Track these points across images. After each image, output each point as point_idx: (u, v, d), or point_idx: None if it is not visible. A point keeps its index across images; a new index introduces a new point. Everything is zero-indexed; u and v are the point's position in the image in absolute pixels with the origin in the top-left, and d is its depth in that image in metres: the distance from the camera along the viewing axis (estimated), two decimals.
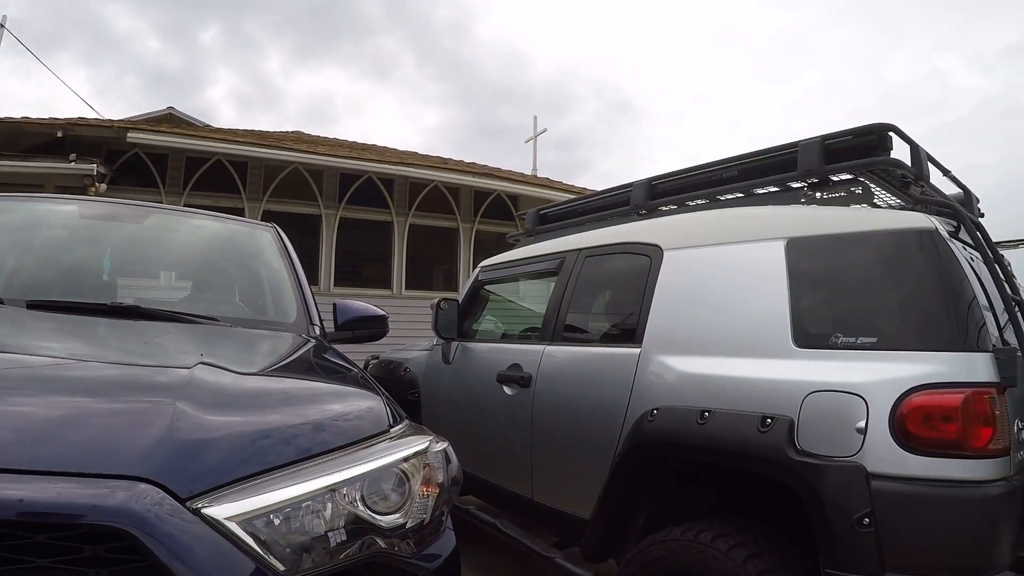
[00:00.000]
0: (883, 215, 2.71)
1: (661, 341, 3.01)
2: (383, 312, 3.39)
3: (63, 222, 3.58)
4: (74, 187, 9.83)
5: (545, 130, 18.79)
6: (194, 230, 3.84)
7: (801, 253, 2.67)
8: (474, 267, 12.33)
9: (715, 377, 2.70)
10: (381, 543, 1.50)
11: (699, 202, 3.60)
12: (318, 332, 3.07)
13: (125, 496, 1.26)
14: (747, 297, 2.77)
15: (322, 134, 16.30)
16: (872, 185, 2.97)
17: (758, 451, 2.39)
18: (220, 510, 1.33)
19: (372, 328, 3.31)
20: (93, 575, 1.22)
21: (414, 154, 13.90)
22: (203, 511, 1.32)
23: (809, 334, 2.53)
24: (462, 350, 4.57)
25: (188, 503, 1.32)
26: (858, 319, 2.45)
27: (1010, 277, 2.73)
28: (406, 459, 1.60)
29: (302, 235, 10.58)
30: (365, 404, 1.82)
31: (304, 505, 1.41)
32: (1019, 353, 2.38)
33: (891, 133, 2.83)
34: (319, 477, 1.45)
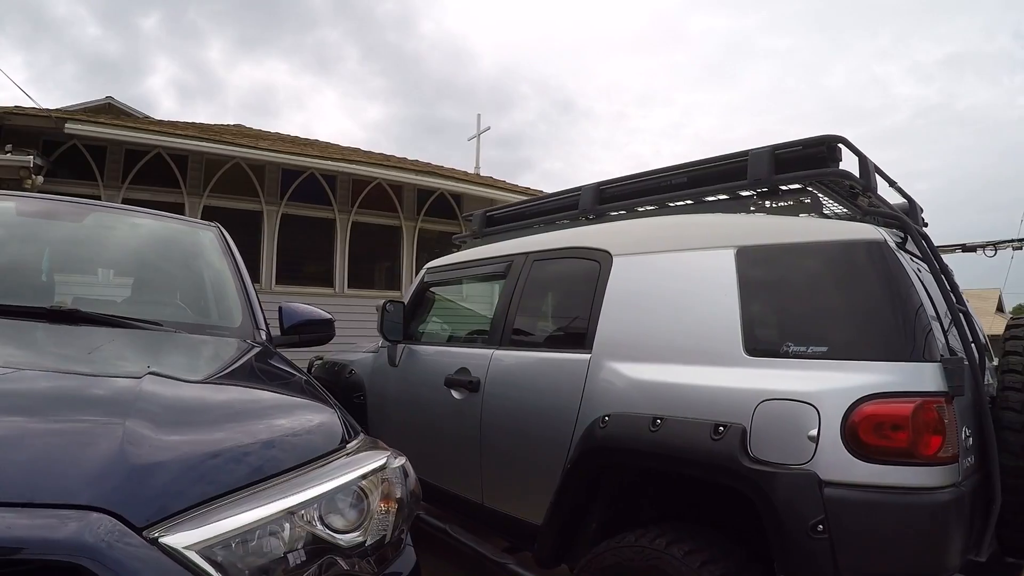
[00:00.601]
0: (832, 225, 2.76)
1: (612, 347, 3.01)
2: (329, 316, 3.34)
3: (3, 220, 3.44)
4: (8, 179, 9.52)
5: (488, 128, 18.80)
6: (135, 229, 3.73)
7: (751, 262, 2.70)
8: (418, 266, 12.38)
9: (666, 384, 2.72)
10: (342, 563, 1.45)
11: (648, 208, 3.62)
12: (264, 337, 3.02)
13: (77, 527, 1.20)
14: (698, 305, 2.79)
15: (264, 127, 16.12)
16: (820, 195, 3.02)
17: (711, 458, 2.40)
18: (178, 539, 1.28)
19: (318, 332, 3.26)
20: None
21: (357, 150, 13.79)
22: (160, 540, 1.27)
23: (760, 343, 2.55)
24: (408, 353, 4.53)
25: (144, 532, 1.27)
26: (809, 328, 2.48)
27: (955, 287, 2.80)
28: (364, 476, 1.57)
29: (243, 232, 10.39)
30: (319, 418, 1.79)
31: (262, 528, 1.36)
32: (965, 362, 2.44)
33: (840, 144, 2.88)
34: (277, 499, 1.40)
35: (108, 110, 15.57)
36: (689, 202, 3.44)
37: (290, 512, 1.40)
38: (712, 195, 3.31)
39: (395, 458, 1.72)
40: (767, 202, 3.10)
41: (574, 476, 2.96)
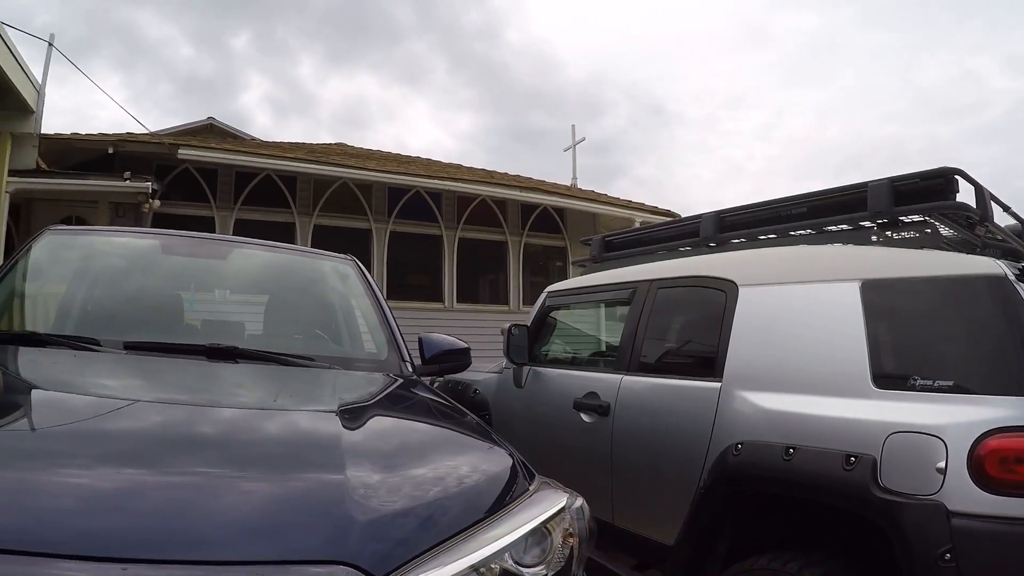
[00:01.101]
0: (953, 259, 2.90)
1: (742, 376, 3.22)
2: (466, 345, 3.54)
3: (147, 258, 3.74)
4: (127, 203, 10.25)
5: (584, 139, 18.97)
6: (278, 265, 3.99)
7: (876, 295, 2.88)
8: (523, 280, 12.68)
9: (797, 414, 2.91)
10: None
11: (769, 236, 3.81)
12: (410, 369, 3.22)
13: None
14: (825, 337, 2.98)
15: (358, 140, 16.83)
16: (939, 226, 3.18)
17: (843, 487, 2.60)
18: None
19: (457, 361, 3.47)
20: None
21: (460, 167, 14.24)
22: None
23: (888, 375, 2.73)
24: (534, 375, 4.82)
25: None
26: (935, 362, 2.65)
27: None
28: (551, 518, 1.76)
29: (353, 249, 10.88)
30: (507, 463, 1.98)
31: (475, 572, 1.54)
32: None
33: (957, 176, 3.04)
34: (486, 546, 1.58)
35: (210, 131, 16.49)
36: (809, 232, 3.62)
37: (497, 553, 1.59)
38: (832, 225, 3.49)
39: (575, 499, 1.93)
40: (887, 233, 3.27)
41: (706, 500, 3.17)
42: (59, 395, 2.27)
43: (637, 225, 13.05)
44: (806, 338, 3.06)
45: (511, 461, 1.99)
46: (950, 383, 2.56)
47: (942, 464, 2.40)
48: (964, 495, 2.35)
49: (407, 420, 2.55)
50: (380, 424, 2.23)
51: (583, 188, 15.64)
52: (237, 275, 3.89)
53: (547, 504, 1.81)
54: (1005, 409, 2.40)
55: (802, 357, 3.04)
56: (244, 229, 11.09)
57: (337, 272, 4.03)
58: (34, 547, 1.27)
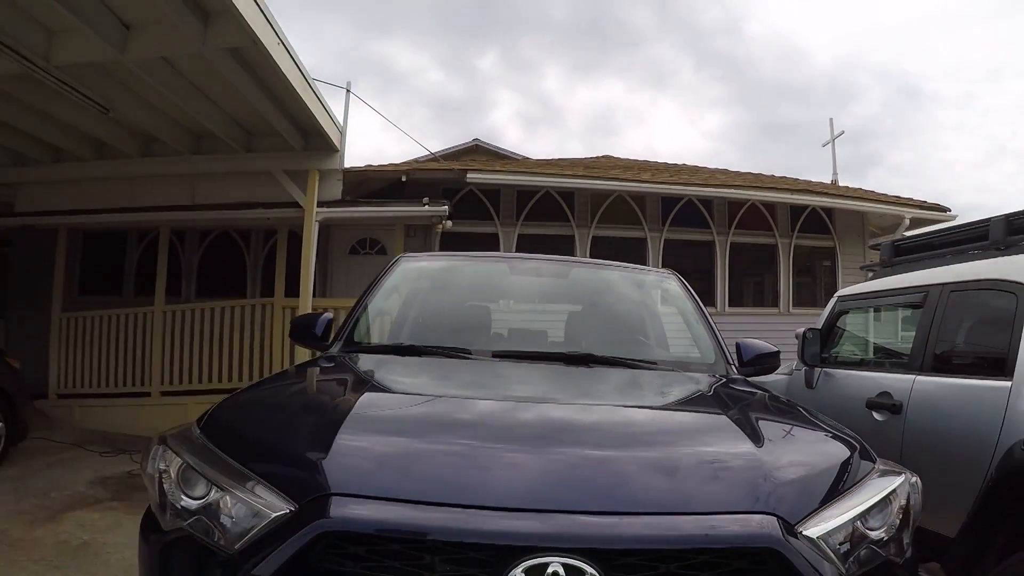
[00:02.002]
0: None
1: None
2: (776, 348, 3.87)
3: (500, 279, 4.41)
4: (421, 225, 11.52)
5: (843, 132, 18.49)
6: (611, 281, 4.49)
7: None
8: (794, 282, 12.81)
9: None
10: (878, 551, 2.00)
11: None
12: (735, 371, 3.61)
13: (763, 524, 1.79)
14: None
15: (608, 147, 17.48)
16: None
17: None
18: (812, 531, 1.85)
19: (770, 363, 3.78)
20: None
21: (727, 172, 14.59)
22: (804, 533, 1.83)
23: None
24: (824, 376, 5.26)
25: (796, 527, 1.83)
26: None
27: None
28: (894, 489, 2.16)
29: (631, 258, 11.63)
30: (858, 446, 2.39)
31: (845, 526, 1.93)
32: None
33: None
34: (854, 508, 1.99)
35: (476, 151, 17.98)
36: None
37: (858, 516, 2.02)
38: None
39: (911, 476, 2.32)
40: None
41: (991, 494, 3.46)
42: (487, 392, 2.91)
43: (907, 221, 12.89)
44: None
45: (860, 445, 2.42)
46: None
47: None
48: None
49: (764, 410, 2.86)
50: (749, 410, 2.64)
51: (845, 185, 15.46)
52: (579, 290, 4.41)
53: (890, 479, 2.23)
54: None
55: None
56: (526, 243, 12.20)
57: (662, 285, 4.53)
58: (509, 503, 1.77)
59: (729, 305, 12.94)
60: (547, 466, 1.98)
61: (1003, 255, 4.26)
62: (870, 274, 5.86)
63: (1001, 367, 3.71)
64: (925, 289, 4.59)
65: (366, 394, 2.56)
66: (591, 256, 12.07)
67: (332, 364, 3.27)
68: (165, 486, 2.04)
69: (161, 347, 10.64)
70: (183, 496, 1.99)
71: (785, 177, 14.53)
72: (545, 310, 4.35)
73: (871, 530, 2.02)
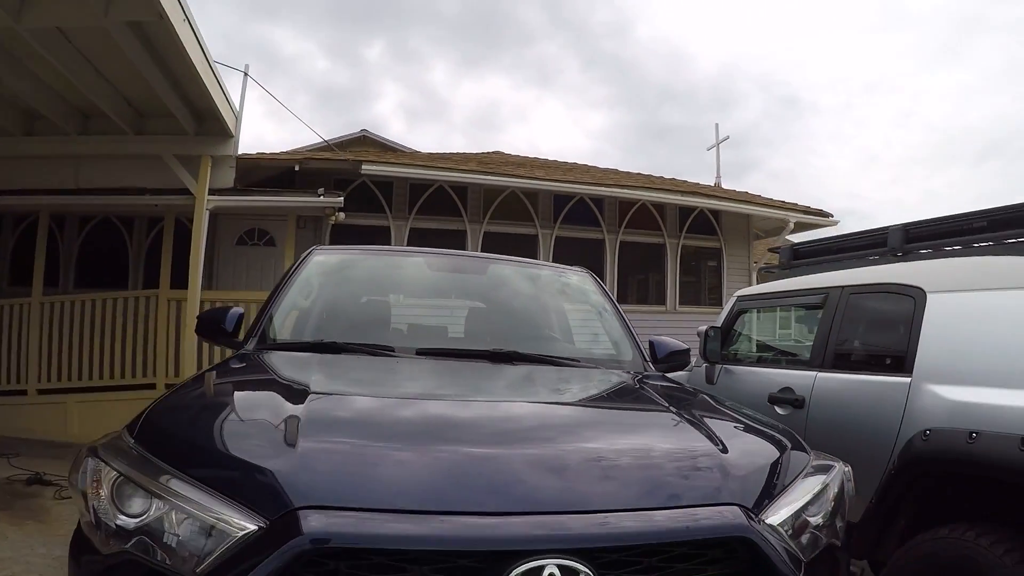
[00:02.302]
0: None
1: (930, 372, 3.84)
2: (687, 346, 4.13)
3: (417, 275, 4.36)
4: (313, 216, 11.43)
5: (728, 137, 19.34)
6: (530, 279, 4.59)
7: None
8: (681, 280, 13.27)
9: (979, 404, 3.52)
10: (821, 536, 2.17)
11: (953, 248, 4.41)
12: (651, 368, 3.77)
13: (733, 515, 1.92)
14: (1009, 337, 3.58)
15: (490, 142, 17.82)
16: None
17: (1017, 466, 3.21)
18: (772, 520, 2.00)
19: (680, 360, 4.01)
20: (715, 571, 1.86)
21: (616, 172, 15.00)
22: (765, 521, 1.97)
23: None
24: (725, 372, 5.54)
25: (759, 516, 1.97)
26: None
27: None
28: (831, 478, 2.36)
29: (522, 254, 11.79)
30: (796, 440, 2.60)
31: (795, 514, 2.10)
32: None
33: None
34: (801, 497, 2.16)
35: (364, 141, 17.96)
36: (990, 244, 4.20)
37: (804, 504, 2.15)
38: (1014, 238, 4.07)
39: (844, 466, 2.53)
40: None
41: (894, 482, 3.76)
42: (415, 392, 2.91)
43: (791, 225, 13.59)
44: (991, 339, 3.66)
45: (796, 439, 2.61)
46: None
47: None
48: None
49: (706, 408, 2.96)
50: (694, 408, 2.78)
51: (730, 188, 16.13)
52: (497, 287, 4.42)
53: (826, 469, 2.43)
54: None
55: (987, 355, 3.65)
56: (418, 237, 12.25)
57: (578, 283, 4.64)
58: (494, 508, 1.77)
59: (617, 302, 13.26)
60: (527, 467, 1.99)
61: (901, 261, 4.61)
62: (768, 275, 6.19)
63: (901, 365, 4.02)
64: (825, 291, 4.90)
65: (313, 397, 2.37)
66: (482, 250, 12.26)
67: (259, 363, 3.13)
68: (96, 503, 1.87)
69: (39, 341, 10.12)
70: (120, 514, 1.82)
71: (675, 179, 15.07)
72: (465, 307, 4.36)
73: (812, 516, 2.18)
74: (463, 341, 3.91)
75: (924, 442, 3.65)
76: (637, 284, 14.21)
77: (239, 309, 3.77)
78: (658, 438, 2.51)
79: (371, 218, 12.26)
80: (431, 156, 14.45)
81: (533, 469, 1.98)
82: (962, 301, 3.90)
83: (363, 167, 11.44)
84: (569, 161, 16.20)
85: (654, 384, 3.28)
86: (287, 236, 11.23)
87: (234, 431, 2.15)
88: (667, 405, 2.77)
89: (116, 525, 1.80)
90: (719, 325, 5.82)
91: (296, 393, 2.40)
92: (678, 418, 2.60)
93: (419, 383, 3.08)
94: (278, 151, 13.74)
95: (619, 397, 3.18)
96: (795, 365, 5.13)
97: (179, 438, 2.11)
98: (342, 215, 11.21)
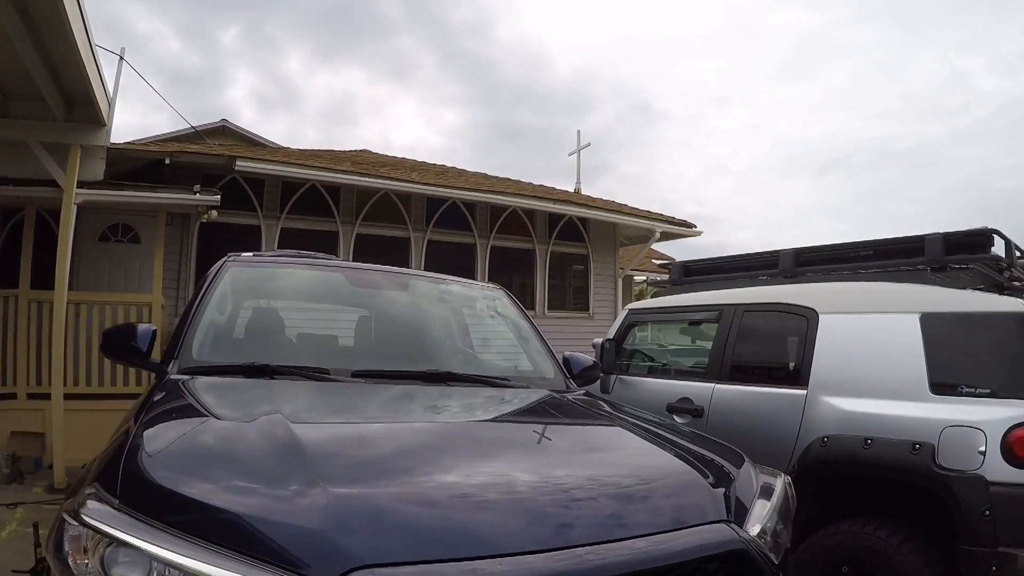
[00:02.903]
0: (989, 299, 4.12)
1: (824, 385, 4.42)
2: (596, 361, 4.45)
3: (338, 291, 4.35)
4: (181, 213, 11.18)
5: (589, 144, 19.66)
6: (448, 295, 4.71)
7: (932, 324, 4.09)
8: (549, 285, 13.77)
9: (871, 414, 4.11)
10: (781, 542, 2.46)
11: (841, 272, 5.01)
12: (574, 384, 4.00)
13: (727, 531, 2.19)
14: (892, 355, 4.17)
15: (343, 136, 18.03)
16: (979, 269, 4.40)
17: (911, 467, 3.80)
18: (752, 531, 2.28)
19: (593, 374, 4.29)
20: None
21: (488, 177, 15.39)
22: (747, 531, 2.26)
23: (941, 384, 3.94)
24: (620, 382, 6.01)
25: (743, 528, 2.26)
26: (976, 374, 3.87)
27: None
28: (784, 488, 2.75)
29: (394, 258, 12.14)
30: (740, 455, 2.92)
31: (764, 524, 2.38)
32: None
33: (994, 234, 4.28)
34: (765, 508, 2.49)
35: (224, 132, 17.60)
36: (874, 271, 4.81)
37: (769, 513, 2.46)
38: (895, 267, 4.70)
39: (786, 476, 2.95)
40: (939, 274, 4.47)
41: (795, 483, 4.27)
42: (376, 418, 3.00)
43: (657, 234, 14.41)
44: (877, 356, 4.25)
45: (740, 455, 2.95)
46: (987, 390, 3.78)
47: (983, 448, 3.62)
48: (998, 470, 3.57)
49: (660, 427, 3.21)
50: (650, 428, 3.11)
51: (599, 197, 16.80)
52: (414, 303, 4.46)
53: (777, 481, 2.82)
54: None
55: (874, 370, 4.24)
56: (289, 238, 12.17)
57: (496, 302, 4.77)
58: (533, 547, 1.84)
59: None
60: (542, 503, 2.09)
61: (791, 283, 5.19)
62: (655, 290, 6.71)
63: (797, 378, 4.59)
64: (719, 308, 5.44)
65: (301, 432, 2.28)
66: (354, 254, 12.40)
67: (201, 393, 2.89)
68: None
69: None
70: None
71: (544, 186, 15.65)
72: (390, 325, 4.33)
73: (776, 524, 2.49)
74: (394, 362, 3.82)
75: (823, 447, 4.20)
76: (512, 289, 14.54)
77: (150, 326, 3.50)
78: (642, 462, 2.72)
79: (242, 216, 12.09)
80: (304, 153, 14.36)
81: (554, 503, 2.09)
82: (851, 322, 4.48)
83: (237, 163, 11.22)
84: (440, 164, 16.46)
85: (593, 402, 3.58)
86: (156, 234, 10.74)
87: (241, 485, 1.95)
88: (632, 426, 3.09)
89: None
90: (612, 337, 6.29)
91: (276, 429, 2.29)
92: (647, 440, 2.93)
93: (391, 413, 3.14)
94: (145, 140, 13.41)
95: (579, 419, 3.33)
96: (692, 377, 5.65)
97: (179, 496, 1.84)
98: (214, 213, 10.96)
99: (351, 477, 2.08)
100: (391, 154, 17.32)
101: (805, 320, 4.69)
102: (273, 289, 4.33)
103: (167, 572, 1.63)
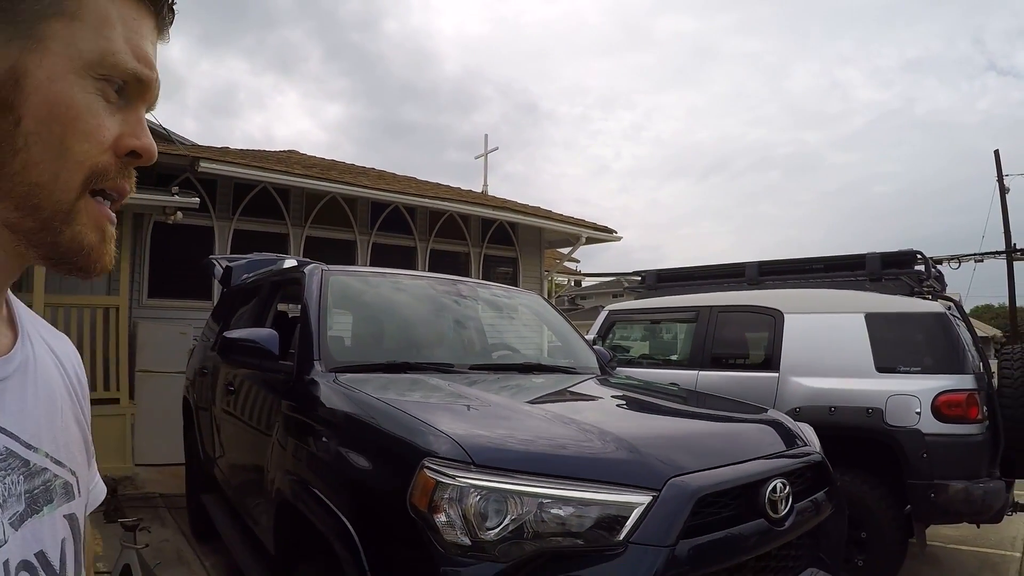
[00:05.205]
0: (916, 302, 5.73)
1: (793, 368, 5.92)
2: (612, 354, 5.71)
3: (430, 297, 4.89)
4: (140, 214, 11.74)
5: (496, 148, 20.77)
6: (508, 300, 5.63)
7: (874, 321, 5.66)
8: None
9: (831, 389, 5.63)
10: None
11: (796, 280, 6.61)
12: (608, 371, 5.01)
13: (815, 451, 3.41)
14: (845, 344, 5.72)
15: (225, 128, 19.54)
16: (906, 281, 6.05)
17: (867, 426, 5.34)
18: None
19: (613, 365, 5.35)
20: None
21: (428, 183, 16.58)
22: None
23: (884, 366, 5.50)
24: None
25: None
26: (911, 358, 5.44)
27: (974, 331, 5.84)
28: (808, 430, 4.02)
29: (340, 259, 13.16)
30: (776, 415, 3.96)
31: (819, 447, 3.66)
32: (983, 373, 5.47)
33: (918, 254, 5.94)
34: (816, 440, 3.73)
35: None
36: (824, 279, 6.42)
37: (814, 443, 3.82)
38: (841, 278, 6.32)
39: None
40: (874, 283, 6.09)
41: None
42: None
43: (583, 239, 16.00)
44: (834, 345, 5.79)
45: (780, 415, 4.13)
46: (919, 368, 5.36)
47: (918, 410, 5.17)
48: (929, 424, 5.13)
49: (695, 392, 4.86)
50: (711, 394, 4.64)
51: (526, 204, 18.17)
52: (487, 308, 5.32)
53: (804, 425, 4.07)
54: (948, 381, 5.22)
55: (832, 356, 5.76)
56: (241, 240, 12.98)
57: (538, 304, 5.79)
58: (744, 457, 2.87)
59: None
60: (728, 431, 3.42)
61: (756, 288, 6.75)
62: (632, 294, 8.20)
63: (769, 364, 6.09)
64: (696, 309, 6.91)
65: (537, 404, 3.38)
66: (304, 254, 13.31)
67: (384, 389, 3.33)
68: (470, 518, 2.25)
69: None
70: (484, 529, 2.25)
71: (484, 192, 16.90)
72: (475, 325, 5.08)
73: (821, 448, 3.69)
74: (491, 357, 4.84)
75: (796, 415, 5.66)
76: None
77: (273, 332, 3.89)
78: (738, 412, 3.93)
79: (194, 217, 12.61)
80: (257, 155, 15.12)
81: (726, 431, 3.39)
82: (811, 320, 6.02)
83: (201, 165, 11.53)
84: (387, 170, 17.41)
85: (644, 380, 4.99)
86: (121, 234, 11.11)
87: (553, 442, 2.62)
88: (699, 393, 4.63)
89: (480, 538, 2.25)
90: (598, 334, 7.70)
91: (518, 406, 3.28)
92: (724, 400, 4.40)
93: (550, 391, 4.01)
94: None
95: (655, 392, 4.38)
96: (676, 366, 7.10)
97: (516, 451, 2.49)
98: (180, 215, 11.49)
99: (619, 428, 2.88)
100: (317, 155, 18.08)
101: (773, 319, 6.18)
102: (375, 296, 4.76)
103: (539, 505, 2.27)
